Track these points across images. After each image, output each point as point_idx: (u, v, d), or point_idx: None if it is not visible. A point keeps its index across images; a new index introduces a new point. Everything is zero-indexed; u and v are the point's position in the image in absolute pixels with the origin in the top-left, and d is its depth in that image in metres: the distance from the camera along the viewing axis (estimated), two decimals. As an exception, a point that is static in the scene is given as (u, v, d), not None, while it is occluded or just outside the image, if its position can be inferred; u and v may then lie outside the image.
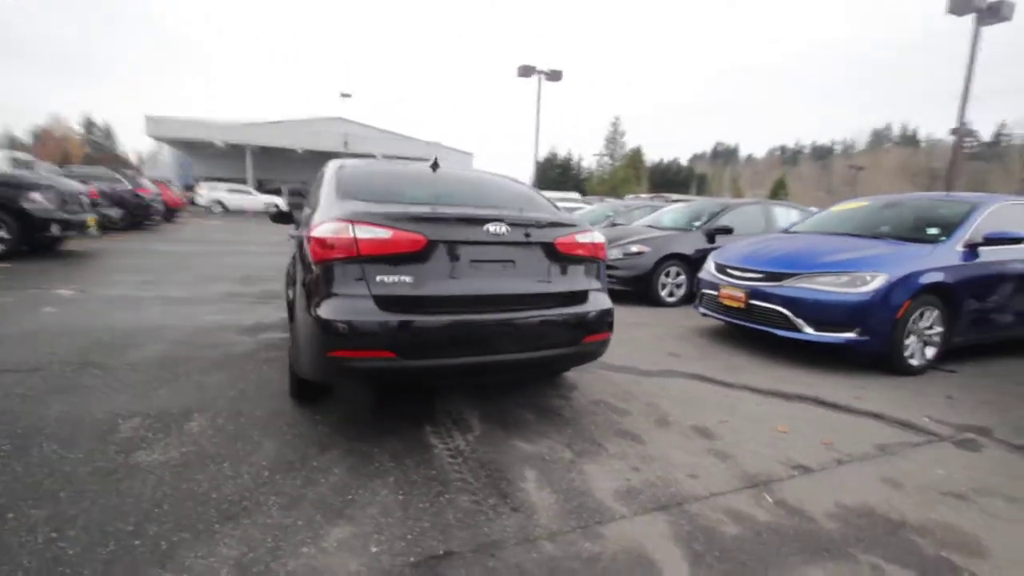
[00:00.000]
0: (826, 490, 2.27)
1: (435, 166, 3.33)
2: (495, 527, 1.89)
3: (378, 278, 2.32)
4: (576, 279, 2.74)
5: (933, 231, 4.37)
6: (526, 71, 19.74)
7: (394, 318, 2.28)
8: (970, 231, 4.22)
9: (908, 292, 3.85)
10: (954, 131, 15.44)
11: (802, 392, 3.49)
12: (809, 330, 3.97)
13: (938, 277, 3.94)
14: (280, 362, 3.61)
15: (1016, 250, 4.28)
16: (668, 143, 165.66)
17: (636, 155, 58.55)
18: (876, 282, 3.84)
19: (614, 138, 60.27)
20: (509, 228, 2.50)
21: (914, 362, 3.98)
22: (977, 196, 4.71)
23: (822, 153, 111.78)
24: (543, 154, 76.13)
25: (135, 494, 1.98)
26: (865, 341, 3.85)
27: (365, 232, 2.30)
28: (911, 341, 3.95)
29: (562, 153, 75.55)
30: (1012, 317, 4.41)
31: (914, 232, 4.46)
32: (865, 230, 4.75)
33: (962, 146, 15.91)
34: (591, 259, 2.81)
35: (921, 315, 3.95)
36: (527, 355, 2.55)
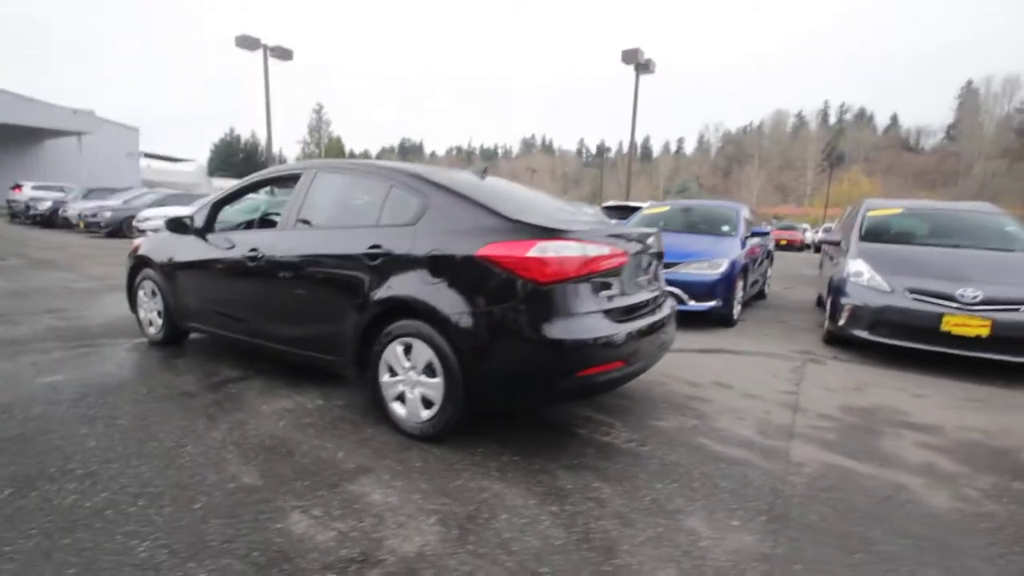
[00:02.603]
0: (817, 401, 3.53)
1: (483, 175, 3.29)
2: (757, 478, 2.39)
3: (602, 293, 2.41)
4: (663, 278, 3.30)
5: (726, 227, 6.50)
6: (248, 43, 17.05)
7: (622, 328, 2.43)
8: (743, 227, 6.48)
9: (736, 270, 5.73)
10: (597, 151, 20.92)
11: (716, 347, 4.88)
12: (692, 303, 5.47)
13: (744, 260, 5.98)
14: (312, 413, 2.94)
15: (756, 239, 6.78)
16: (360, 134, 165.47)
17: (336, 144, 56.83)
18: (723, 266, 5.58)
19: (319, 126, 56.84)
20: (652, 241, 2.89)
21: (735, 318, 5.95)
22: (732, 204, 7.17)
23: (488, 154, 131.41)
24: (220, 135, 65.77)
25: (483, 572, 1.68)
26: (720, 306, 5.56)
27: (594, 250, 2.36)
28: (736, 304, 5.89)
29: (246, 135, 66.96)
30: (755, 280, 6.98)
31: (718, 228, 6.52)
32: (688, 227, 6.64)
33: (602, 159, 21.79)
34: None
35: (739, 285, 5.92)
36: (671, 345, 3.02)
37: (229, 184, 4.44)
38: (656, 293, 2.99)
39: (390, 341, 2.62)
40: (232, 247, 3.38)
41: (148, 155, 36.44)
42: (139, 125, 31.99)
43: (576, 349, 2.26)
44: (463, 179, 2.90)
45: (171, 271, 3.76)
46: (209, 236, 3.60)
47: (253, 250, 3.19)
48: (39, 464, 2.22)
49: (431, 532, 1.89)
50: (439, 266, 2.47)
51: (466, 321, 2.35)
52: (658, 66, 17.71)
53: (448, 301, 2.41)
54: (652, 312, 2.81)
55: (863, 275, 4.71)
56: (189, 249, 3.65)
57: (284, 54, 17.85)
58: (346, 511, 1.99)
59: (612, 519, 2.02)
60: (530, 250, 2.28)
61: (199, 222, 3.63)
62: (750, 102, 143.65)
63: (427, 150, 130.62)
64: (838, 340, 5.08)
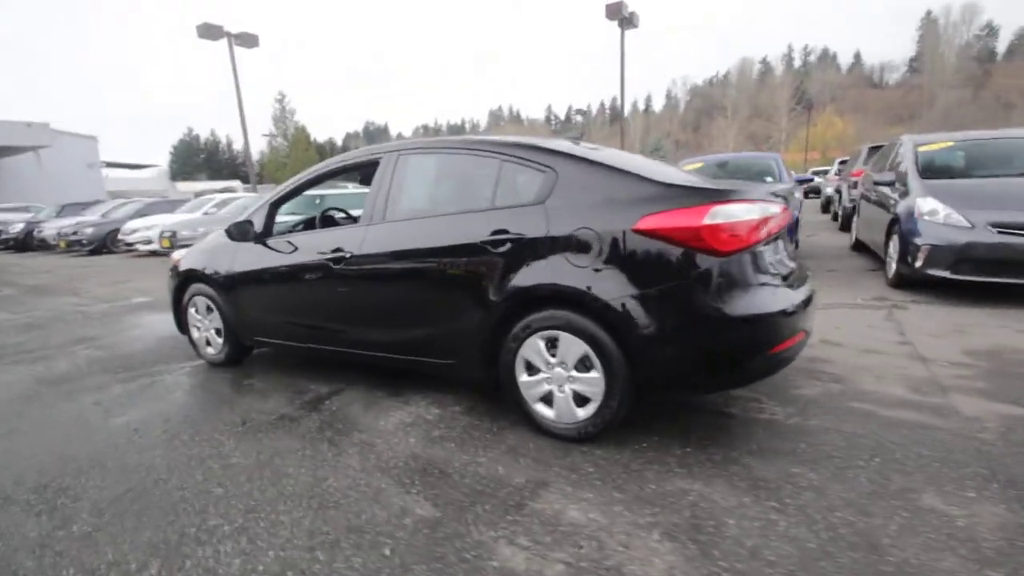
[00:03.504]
0: (935, 348, 3.38)
1: (577, 141, 3.00)
2: (950, 440, 2.22)
3: (777, 257, 2.18)
4: None
5: (769, 179, 6.29)
6: (211, 32, 15.97)
7: (798, 295, 2.21)
8: (784, 176, 6.27)
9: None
10: (575, 117, 20.55)
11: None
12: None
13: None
14: (437, 425, 2.68)
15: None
16: (322, 122, 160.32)
17: (302, 134, 54.79)
18: (781, 217, 5.39)
19: (283, 117, 54.42)
20: (794, 199, 2.64)
21: (791, 270, 5.80)
22: (767, 154, 6.95)
23: (455, 130, 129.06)
24: (178, 136, 63.04)
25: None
26: (781, 260, 5.39)
27: (770, 210, 2.12)
28: (791, 256, 5.73)
29: (204, 134, 64.33)
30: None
31: (762, 181, 6.30)
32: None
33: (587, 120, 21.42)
34: None
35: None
36: None
37: (197, 187, 4.03)
38: (795, 256, 2.77)
39: (528, 336, 2.35)
40: (305, 249, 3.04)
41: (108, 164, 34.65)
42: (94, 134, 30.23)
43: (765, 323, 2.03)
44: (584, 147, 2.59)
45: (231, 283, 3.39)
46: (270, 240, 3.25)
47: (336, 250, 2.86)
48: (173, 524, 1.92)
49: (666, 550, 1.66)
50: (587, 246, 2.18)
51: (632, 306, 2.09)
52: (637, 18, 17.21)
53: (605, 286, 2.14)
54: (803, 276, 2.58)
55: (939, 213, 4.55)
56: (250, 256, 3.29)
57: (249, 41, 16.81)
58: (555, 536, 1.76)
59: (845, 509, 1.82)
60: (704, 217, 2.01)
61: (259, 226, 3.26)
62: (715, 53, 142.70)
63: (392, 131, 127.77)
64: (907, 283, 4.96)
